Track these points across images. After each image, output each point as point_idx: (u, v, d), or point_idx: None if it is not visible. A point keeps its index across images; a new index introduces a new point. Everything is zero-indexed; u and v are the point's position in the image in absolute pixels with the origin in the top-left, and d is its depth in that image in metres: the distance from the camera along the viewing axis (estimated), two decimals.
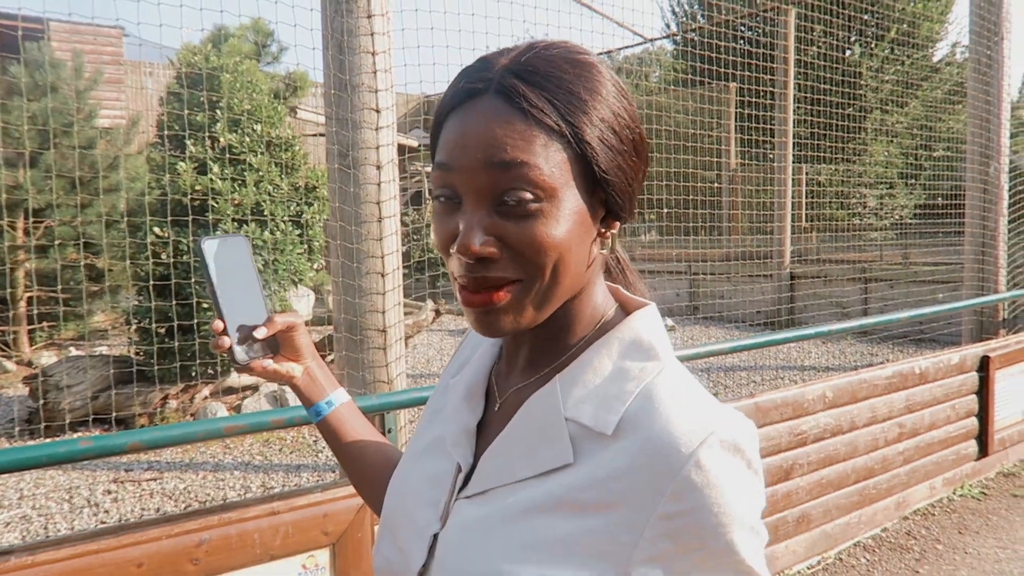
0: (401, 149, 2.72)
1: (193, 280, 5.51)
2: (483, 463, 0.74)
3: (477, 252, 0.66)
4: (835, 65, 11.51)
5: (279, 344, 0.98)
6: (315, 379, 1.01)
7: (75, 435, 5.21)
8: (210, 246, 0.92)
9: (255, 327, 0.94)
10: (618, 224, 0.75)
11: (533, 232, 0.66)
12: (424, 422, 0.89)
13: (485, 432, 0.78)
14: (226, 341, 0.93)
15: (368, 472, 1.00)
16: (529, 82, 0.67)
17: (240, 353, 0.94)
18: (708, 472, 0.64)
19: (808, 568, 3.42)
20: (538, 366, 0.77)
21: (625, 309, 0.78)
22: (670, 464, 0.64)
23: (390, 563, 0.80)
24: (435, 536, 0.75)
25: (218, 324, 0.93)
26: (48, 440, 4.58)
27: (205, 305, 5.69)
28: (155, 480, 4.64)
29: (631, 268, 0.86)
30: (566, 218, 0.67)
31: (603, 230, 0.74)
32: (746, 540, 0.66)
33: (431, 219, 0.75)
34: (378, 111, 2.48)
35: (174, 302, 5.29)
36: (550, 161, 0.66)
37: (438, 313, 6.21)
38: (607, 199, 0.71)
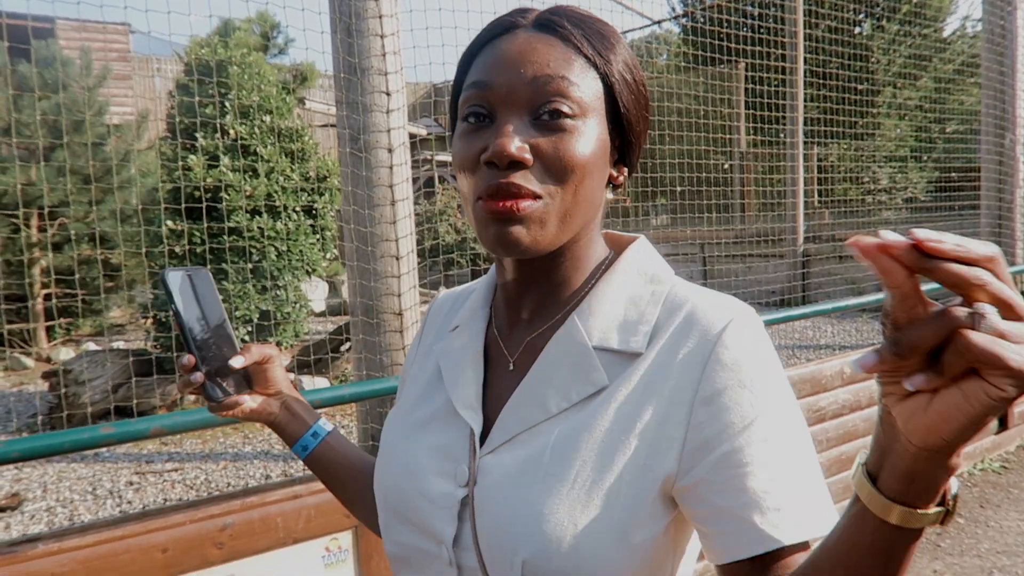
0: (410, 138, 2.72)
1: (214, 267, 5.53)
2: (505, 413, 0.74)
3: (512, 154, 0.67)
4: (847, 39, 11.38)
5: (252, 378, 0.94)
6: (295, 412, 0.97)
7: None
8: (174, 278, 0.87)
9: (228, 358, 0.89)
10: (626, 171, 0.78)
11: (566, 145, 0.68)
12: (407, 402, 0.85)
13: (496, 393, 0.77)
14: (198, 377, 0.87)
15: (367, 492, 0.95)
16: (568, 19, 0.72)
17: (215, 392, 0.89)
18: (734, 350, 0.67)
19: None
20: (547, 314, 0.77)
21: (618, 248, 0.81)
22: (700, 351, 0.68)
23: (406, 546, 0.78)
24: (462, 502, 0.73)
25: (188, 359, 0.87)
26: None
27: (220, 297, 5.71)
28: (176, 471, 4.68)
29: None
30: (593, 141, 0.70)
31: (614, 173, 0.77)
32: (783, 405, 0.68)
33: (455, 142, 0.74)
34: (388, 94, 2.47)
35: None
36: (586, 84, 0.70)
37: None
38: (621, 142, 0.75)
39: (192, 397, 5.33)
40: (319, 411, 1.02)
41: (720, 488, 0.65)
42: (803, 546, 0.64)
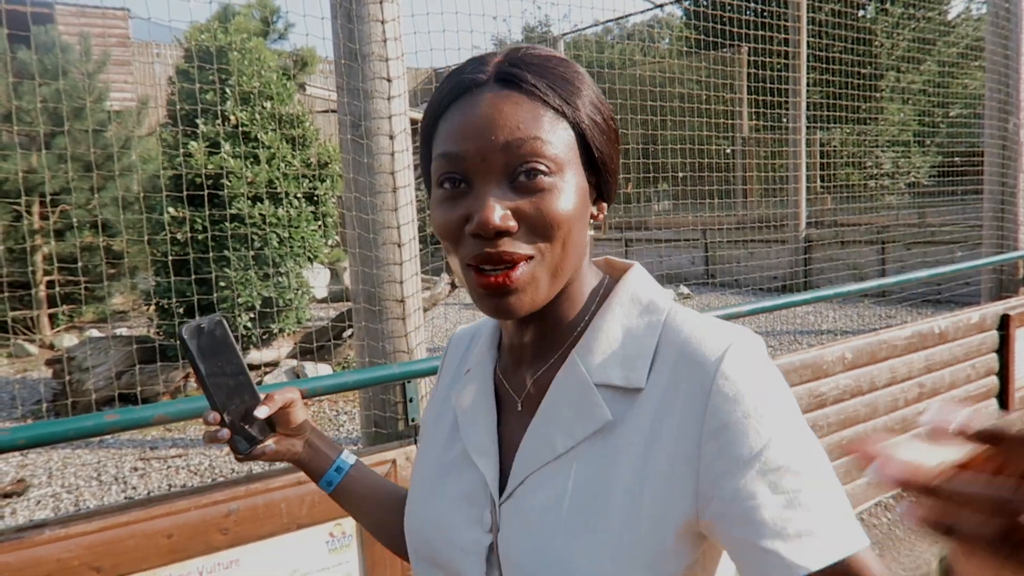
0: (412, 123, 2.70)
1: (216, 254, 5.55)
2: (518, 457, 0.75)
3: (498, 226, 0.66)
4: (850, 23, 11.30)
5: (275, 420, 0.94)
6: (317, 449, 0.97)
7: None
8: (190, 332, 0.87)
9: (252, 407, 0.89)
10: (605, 207, 0.78)
11: (547, 205, 0.68)
12: (430, 441, 0.87)
13: (509, 436, 0.78)
14: (226, 434, 0.88)
15: (394, 520, 0.98)
16: (528, 70, 0.70)
17: (242, 444, 0.89)
18: (735, 379, 0.67)
19: None
20: (548, 353, 0.78)
21: (614, 274, 0.81)
22: (700, 383, 0.67)
23: None
24: (489, 547, 0.74)
25: (214, 416, 0.88)
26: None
27: (222, 283, 5.73)
28: (180, 457, 4.71)
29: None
30: (573, 193, 0.70)
31: (595, 212, 0.77)
32: (791, 427, 0.67)
33: (433, 208, 0.73)
34: (389, 80, 2.46)
35: (197, 275, 5.33)
36: (558, 138, 0.69)
37: (453, 286, 6.22)
38: (599, 181, 0.76)
39: (195, 383, 5.35)
40: (341, 445, 1.03)
41: (739, 521, 0.64)
42: (837, 567, 0.63)
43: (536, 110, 0.69)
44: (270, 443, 0.93)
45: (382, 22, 2.45)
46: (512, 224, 0.67)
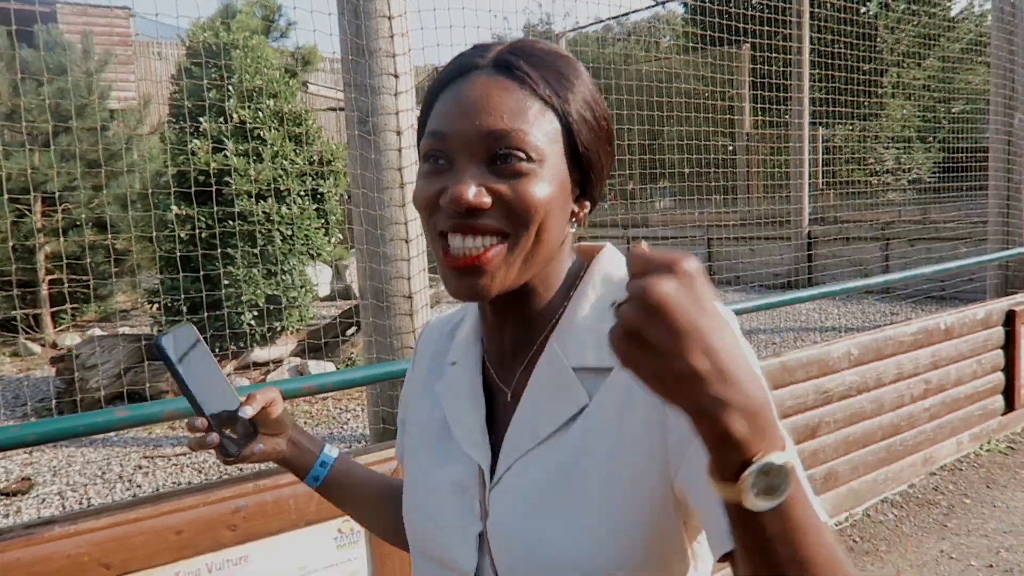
0: None
1: (219, 251, 5.54)
2: (505, 445, 0.76)
3: (469, 201, 0.68)
4: (853, 18, 11.27)
5: (258, 421, 0.95)
6: (301, 446, 0.98)
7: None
8: (168, 342, 0.87)
9: (236, 410, 0.90)
10: (588, 205, 0.78)
11: (523, 189, 0.69)
12: (419, 435, 0.87)
13: (500, 426, 0.79)
14: (215, 438, 0.88)
15: (382, 509, 1.00)
16: (525, 60, 0.72)
17: (231, 446, 0.90)
18: None
19: (836, 524, 3.43)
20: (528, 341, 0.79)
21: (588, 258, 0.82)
22: None
23: None
24: (480, 535, 0.76)
25: (201, 422, 0.88)
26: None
27: (226, 281, 5.72)
28: (185, 455, 4.71)
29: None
30: (551, 182, 0.71)
31: (576, 209, 0.77)
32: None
33: (417, 180, 0.76)
34: (396, 76, 2.46)
35: (202, 273, 5.32)
36: (542, 129, 0.71)
37: None
38: (582, 178, 0.76)
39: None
40: (322, 440, 1.04)
41: (700, 483, 0.64)
42: None
43: (524, 98, 0.71)
44: (259, 446, 0.93)
45: (389, 18, 2.44)
46: (486, 200, 0.69)
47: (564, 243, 0.78)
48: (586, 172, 0.76)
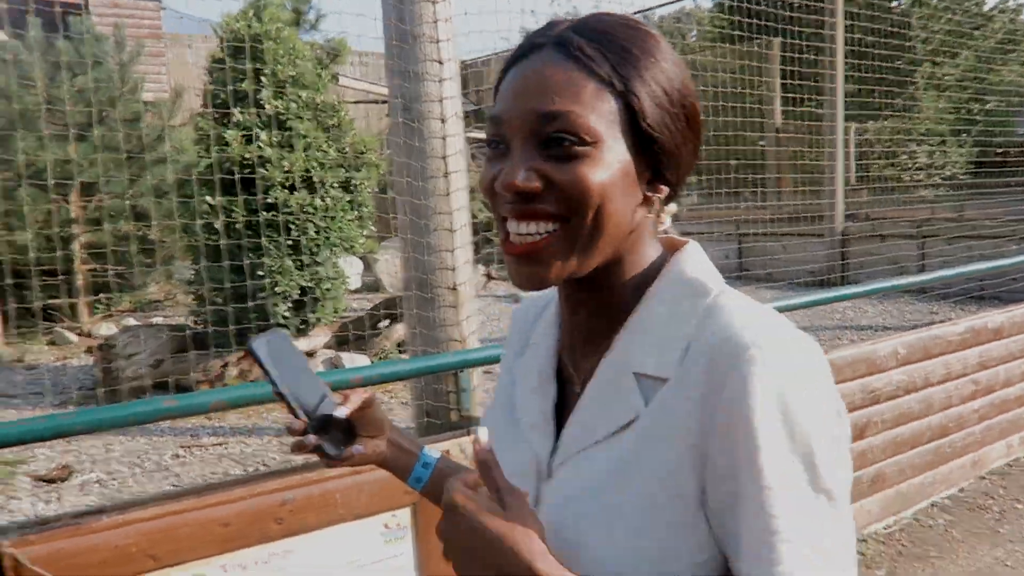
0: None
1: (257, 241, 5.54)
2: (564, 436, 0.76)
3: (518, 186, 0.68)
4: (885, 15, 11.05)
5: (356, 424, 0.93)
6: (402, 447, 0.97)
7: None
8: (260, 345, 0.88)
9: (328, 411, 0.89)
10: (665, 190, 0.74)
11: (576, 172, 0.67)
12: (496, 414, 0.87)
13: (567, 414, 0.78)
14: (312, 439, 0.87)
15: None
16: (585, 37, 0.70)
17: (332, 448, 0.89)
18: (743, 387, 0.63)
19: (884, 528, 3.34)
20: (599, 334, 0.77)
21: (671, 251, 0.79)
22: (716, 380, 0.65)
23: None
24: None
25: (299, 424, 0.87)
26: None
27: (260, 272, 5.73)
28: (220, 445, 4.72)
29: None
30: (610, 166, 0.68)
31: (649, 194, 0.73)
32: (792, 453, 0.63)
33: (483, 167, 0.75)
34: (441, 62, 2.41)
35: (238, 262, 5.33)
36: (598, 110, 0.68)
37: (489, 277, 6.17)
38: (654, 162, 0.72)
39: (235, 371, 5.37)
40: (422, 441, 1.04)
41: (721, 528, 0.65)
42: None
43: (580, 79, 0.68)
44: (359, 447, 0.92)
45: (433, 2, 2.40)
46: (536, 184, 0.68)
47: (638, 231, 0.74)
48: (656, 155, 0.71)
